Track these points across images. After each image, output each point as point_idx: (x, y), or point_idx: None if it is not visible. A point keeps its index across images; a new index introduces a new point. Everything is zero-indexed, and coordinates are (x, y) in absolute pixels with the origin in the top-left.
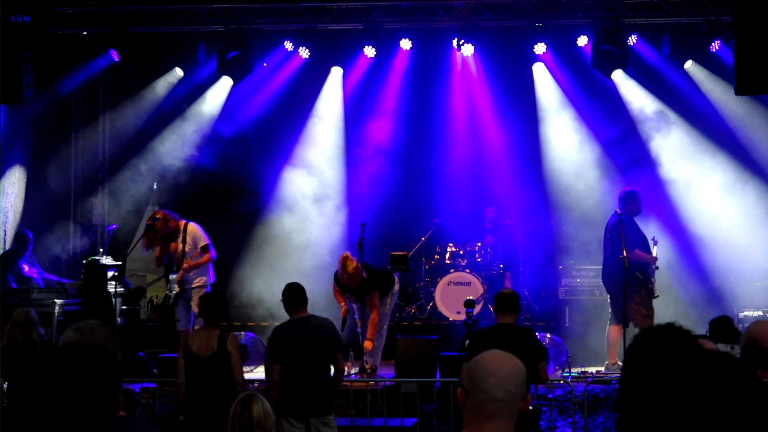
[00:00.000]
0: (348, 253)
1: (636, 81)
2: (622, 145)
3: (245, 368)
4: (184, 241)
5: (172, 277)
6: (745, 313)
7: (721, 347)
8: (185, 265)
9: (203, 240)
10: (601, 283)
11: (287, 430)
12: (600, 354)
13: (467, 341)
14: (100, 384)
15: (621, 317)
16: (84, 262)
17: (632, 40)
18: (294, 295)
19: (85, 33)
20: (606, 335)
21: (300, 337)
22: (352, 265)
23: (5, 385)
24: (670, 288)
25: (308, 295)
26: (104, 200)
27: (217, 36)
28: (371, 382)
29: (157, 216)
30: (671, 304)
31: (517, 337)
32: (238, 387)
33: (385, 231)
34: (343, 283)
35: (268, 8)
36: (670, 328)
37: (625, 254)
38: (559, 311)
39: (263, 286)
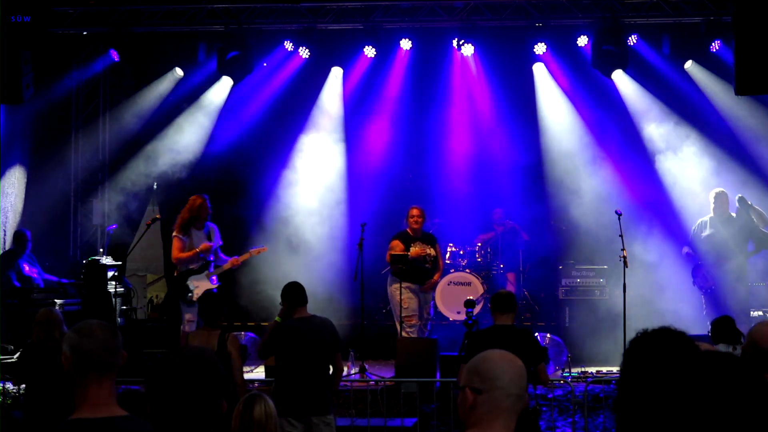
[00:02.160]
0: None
1: (636, 81)
2: (622, 145)
3: (245, 368)
4: (210, 238)
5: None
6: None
7: (722, 348)
8: (238, 261)
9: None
10: (602, 283)
11: (287, 430)
12: (600, 354)
13: (467, 341)
14: (207, 390)
15: None
16: (84, 262)
17: (632, 40)
18: (295, 293)
19: (85, 33)
20: None
21: (302, 336)
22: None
23: (11, 384)
24: (667, 288)
25: (309, 295)
26: (104, 200)
27: (217, 36)
28: (371, 382)
29: (198, 201)
30: (669, 304)
31: (516, 338)
32: (238, 388)
33: (385, 231)
34: (415, 228)
35: (268, 8)
36: (665, 331)
37: (624, 254)
38: (559, 311)
39: (263, 286)
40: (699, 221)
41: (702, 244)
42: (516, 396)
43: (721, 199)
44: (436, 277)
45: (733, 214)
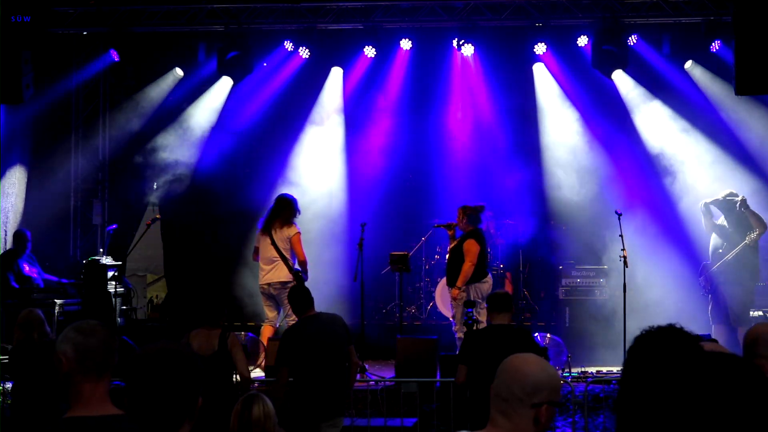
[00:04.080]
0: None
1: (636, 81)
2: (622, 145)
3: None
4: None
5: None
6: None
7: None
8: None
9: None
10: (602, 283)
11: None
12: (600, 354)
13: (465, 341)
14: (179, 385)
15: None
16: (84, 262)
17: (632, 40)
18: (300, 297)
19: (85, 33)
20: None
21: (312, 335)
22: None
23: (10, 384)
24: (667, 289)
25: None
26: (104, 200)
27: (217, 36)
28: (371, 382)
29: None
30: (670, 304)
31: (513, 337)
32: (244, 380)
33: (385, 231)
34: (459, 227)
35: (268, 8)
36: (670, 329)
37: (624, 254)
38: (559, 311)
39: None
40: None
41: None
42: (502, 399)
43: (726, 202)
44: (458, 282)
45: (744, 211)
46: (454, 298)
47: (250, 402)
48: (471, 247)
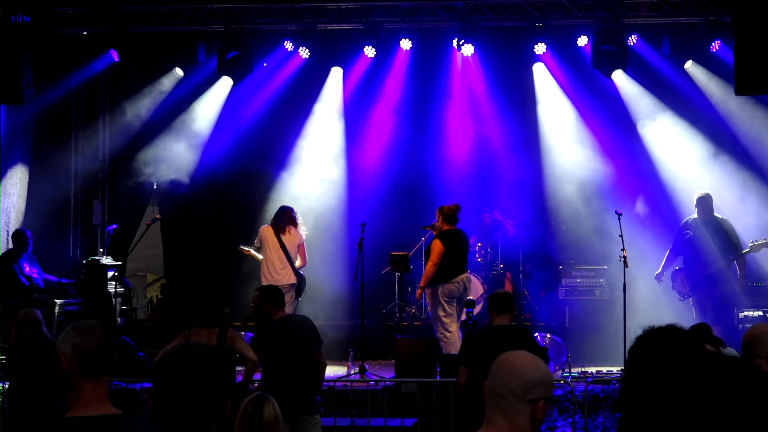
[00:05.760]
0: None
1: (636, 81)
2: (622, 145)
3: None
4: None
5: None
6: (746, 313)
7: None
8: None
9: None
10: (602, 283)
11: None
12: (600, 354)
13: (465, 341)
14: (210, 388)
15: None
16: (84, 262)
17: (632, 40)
18: (279, 295)
19: (85, 33)
20: None
21: (284, 334)
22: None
23: (6, 384)
24: (667, 289)
25: (309, 294)
26: (104, 200)
27: (217, 36)
28: (371, 382)
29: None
30: (669, 304)
31: (514, 337)
32: (252, 363)
33: (385, 231)
34: (437, 227)
35: (268, 8)
36: (672, 329)
37: (624, 254)
38: (559, 311)
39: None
40: (683, 222)
41: (683, 246)
42: (498, 395)
43: (703, 202)
44: (421, 282)
45: (718, 216)
46: (416, 299)
47: (261, 403)
48: (434, 248)
